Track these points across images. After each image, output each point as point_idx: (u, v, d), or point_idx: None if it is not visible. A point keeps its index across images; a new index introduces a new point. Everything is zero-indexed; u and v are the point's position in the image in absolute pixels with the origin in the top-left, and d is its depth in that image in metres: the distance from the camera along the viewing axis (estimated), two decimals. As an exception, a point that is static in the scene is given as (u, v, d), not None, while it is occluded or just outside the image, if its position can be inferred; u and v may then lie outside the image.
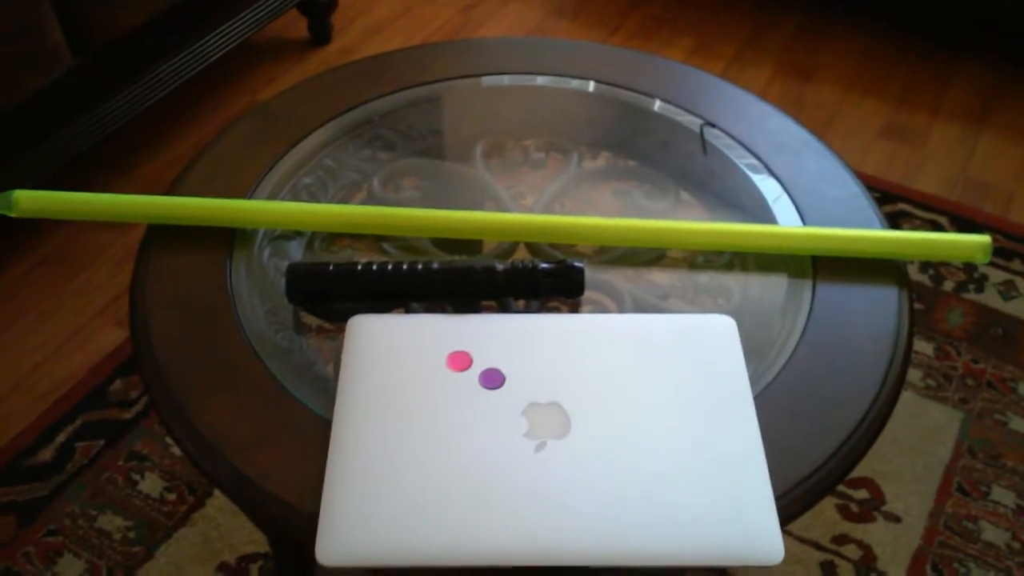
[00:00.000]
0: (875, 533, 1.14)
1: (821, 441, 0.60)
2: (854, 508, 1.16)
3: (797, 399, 0.63)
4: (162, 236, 0.73)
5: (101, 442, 1.24)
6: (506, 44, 0.93)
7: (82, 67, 1.38)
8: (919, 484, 1.19)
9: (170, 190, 0.77)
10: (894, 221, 1.52)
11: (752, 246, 0.71)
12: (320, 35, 1.87)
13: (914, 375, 1.30)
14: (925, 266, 1.44)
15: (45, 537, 1.14)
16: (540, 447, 0.58)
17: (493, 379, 0.61)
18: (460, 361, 0.62)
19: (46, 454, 1.22)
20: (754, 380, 0.64)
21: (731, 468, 0.57)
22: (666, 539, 0.54)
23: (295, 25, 1.91)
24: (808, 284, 0.70)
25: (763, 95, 1.76)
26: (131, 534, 1.14)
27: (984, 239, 0.70)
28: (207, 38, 1.57)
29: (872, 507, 1.16)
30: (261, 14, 1.65)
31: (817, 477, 0.59)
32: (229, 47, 1.61)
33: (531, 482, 0.56)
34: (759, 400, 0.63)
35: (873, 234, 0.70)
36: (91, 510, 1.17)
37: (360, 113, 0.86)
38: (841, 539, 1.14)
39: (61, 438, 1.24)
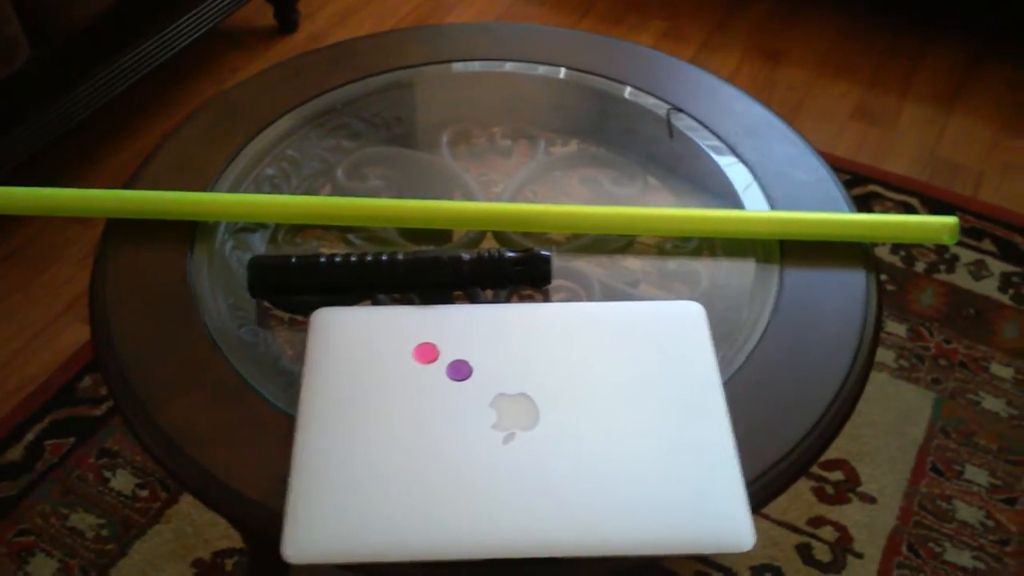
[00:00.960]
0: (851, 514, 1.15)
1: (791, 425, 0.60)
2: (829, 490, 1.17)
3: (766, 384, 0.63)
4: (122, 230, 0.72)
5: (71, 439, 1.22)
6: (473, 29, 0.92)
7: (42, 59, 1.36)
8: (894, 465, 1.19)
9: (129, 183, 0.76)
10: (865, 203, 1.53)
11: (720, 231, 0.71)
12: (287, 22, 1.84)
13: (887, 356, 1.31)
14: (896, 248, 1.45)
15: (16, 537, 1.13)
16: (509, 438, 0.57)
17: (460, 370, 0.61)
18: (427, 353, 0.62)
19: (15, 453, 1.21)
20: (723, 365, 0.64)
21: (701, 455, 0.57)
22: (636, 528, 0.54)
23: (262, 13, 1.88)
24: (776, 268, 0.70)
25: (733, 78, 1.76)
26: (104, 532, 1.13)
27: (951, 220, 0.70)
28: (171, 27, 1.54)
29: (847, 488, 1.17)
30: (226, 2, 1.63)
31: (788, 462, 0.59)
32: (194, 36, 1.59)
33: (500, 474, 0.56)
34: (729, 385, 0.63)
35: (840, 217, 0.70)
36: (62, 508, 1.15)
37: (324, 101, 0.84)
38: (817, 521, 1.14)
39: (30, 436, 1.22)
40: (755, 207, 0.75)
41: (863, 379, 0.63)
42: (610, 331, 0.63)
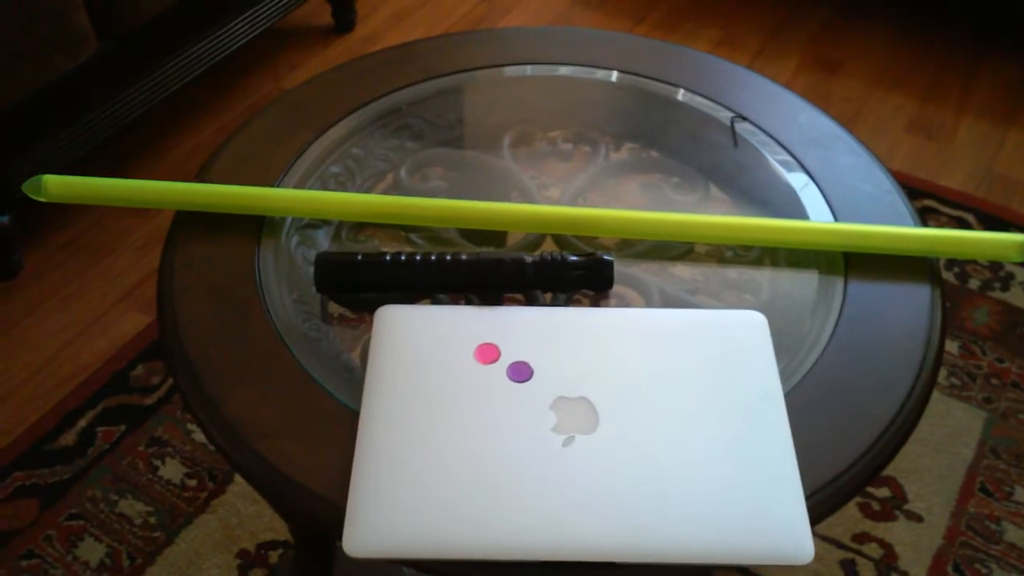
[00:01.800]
0: (897, 532, 1.13)
1: (851, 440, 0.59)
2: (876, 506, 1.16)
3: (828, 397, 0.62)
4: (190, 223, 0.73)
5: (123, 427, 1.24)
6: (531, 34, 0.92)
7: (108, 52, 1.39)
8: (942, 483, 1.18)
9: (198, 177, 0.77)
10: (920, 218, 1.51)
11: (782, 241, 0.70)
12: (344, 22, 1.86)
13: (939, 374, 1.29)
14: (951, 264, 1.43)
15: (67, 521, 1.15)
16: (568, 442, 0.58)
17: (521, 372, 0.61)
18: (488, 353, 0.62)
19: (68, 438, 1.23)
20: (784, 377, 0.64)
21: (761, 466, 0.57)
22: (694, 537, 0.54)
23: (319, 12, 1.91)
24: (840, 281, 0.70)
25: (788, 87, 1.75)
26: (151, 519, 1.15)
27: (1018, 238, 0.69)
28: (232, 24, 1.57)
29: (894, 506, 1.16)
30: (284, 1, 1.65)
31: (847, 477, 0.59)
32: (254, 33, 1.61)
33: (558, 477, 0.56)
34: (789, 397, 0.62)
35: (906, 231, 0.70)
36: (112, 495, 1.17)
37: (387, 102, 0.85)
38: (862, 538, 1.13)
39: (83, 423, 1.25)
40: (819, 218, 0.75)
41: (925, 397, 0.62)
42: (671, 338, 0.63)
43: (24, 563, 1.11)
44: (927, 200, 1.54)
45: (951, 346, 1.33)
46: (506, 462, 0.57)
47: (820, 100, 1.72)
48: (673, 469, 0.56)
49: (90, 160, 1.59)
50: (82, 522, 1.15)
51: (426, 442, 0.57)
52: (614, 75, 0.88)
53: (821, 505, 0.58)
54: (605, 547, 0.54)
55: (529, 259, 0.66)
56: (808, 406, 0.62)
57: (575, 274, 0.66)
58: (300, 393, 0.62)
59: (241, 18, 1.57)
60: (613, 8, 1.94)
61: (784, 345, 0.66)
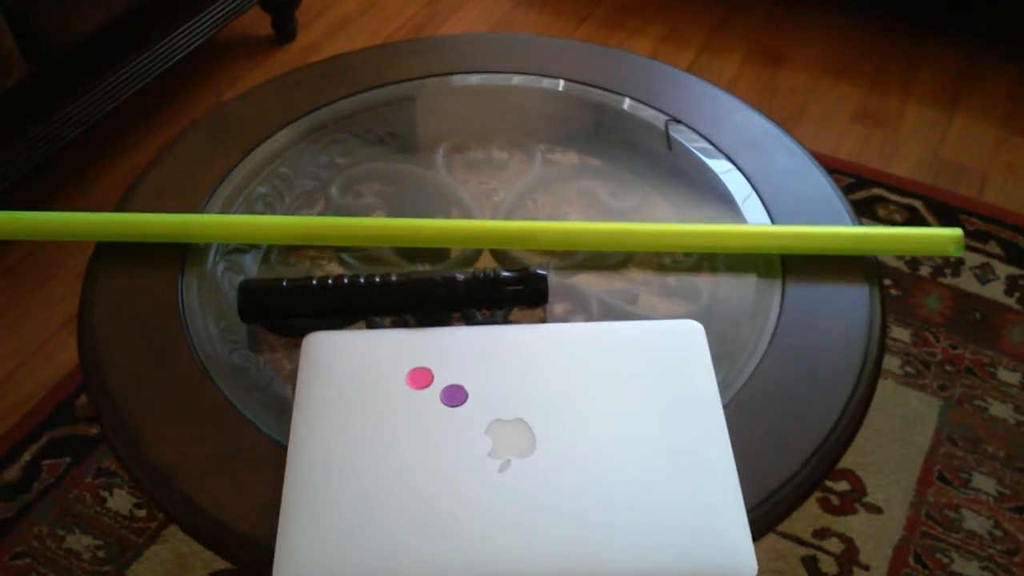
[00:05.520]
0: (857, 526, 1.13)
1: (794, 448, 0.58)
2: (835, 501, 1.15)
3: (769, 405, 0.61)
4: (111, 253, 0.70)
5: (68, 459, 1.21)
6: (466, 41, 0.91)
7: (37, 74, 1.35)
8: (900, 474, 1.18)
9: (120, 203, 0.75)
10: (869, 206, 1.51)
11: (719, 246, 0.69)
12: (284, 32, 1.83)
13: (892, 363, 1.29)
14: (901, 251, 1.43)
15: (12, 560, 1.12)
16: (504, 466, 0.56)
17: (455, 396, 0.59)
18: (421, 378, 0.60)
19: (12, 473, 1.20)
20: (724, 386, 0.62)
21: (701, 482, 0.55)
22: (635, 558, 0.53)
23: (259, 23, 1.87)
24: (778, 284, 0.69)
25: (735, 82, 1.75)
26: (100, 553, 1.12)
27: (956, 232, 0.69)
28: (168, 38, 1.53)
29: (853, 499, 1.15)
30: (222, 13, 1.61)
31: (791, 485, 0.58)
32: (191, 47, 1.58)
33: (495, 503, 0.54)
34: (730, 407, 0.61)
35: (842, 230, 0.69)
36: (59, 530, 1.14)
37: (317, 117, 0.83)
38: (823, 533, 1.12)
39: (27, 456, 1.21)
40: (756, 220, 0.74)
41: (867, 399, 0.62)
42: (607, 352, 0.62)
43: (-31, 605, 1.08)
44: (876, 189, 1.54)
45: (904, 334, 1.33)
46: (440, 490, 0.55)
47: (767, 93, 1.72)
48: (611, 489, 0.55)
49: (23, 186, 1.55)
50: (29, 560, 1.12)
51: (357, 472, 0.56)
52: (547, 82, 0.87)
53: (767, 515, 0.57)
54: (543, 571, 0.52)
55: (461, 277, 0.65)
56: (748, 415, 0.61)
57: (509, 290, 0.65)
58: (227, 429, 0.60)
59: (178, 31, 1.54)
60: (556, 8, 1.92)
61: (723, 352, 0.65)
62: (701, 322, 0.65)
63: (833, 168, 1.57)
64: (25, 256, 1.45)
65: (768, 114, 1.66)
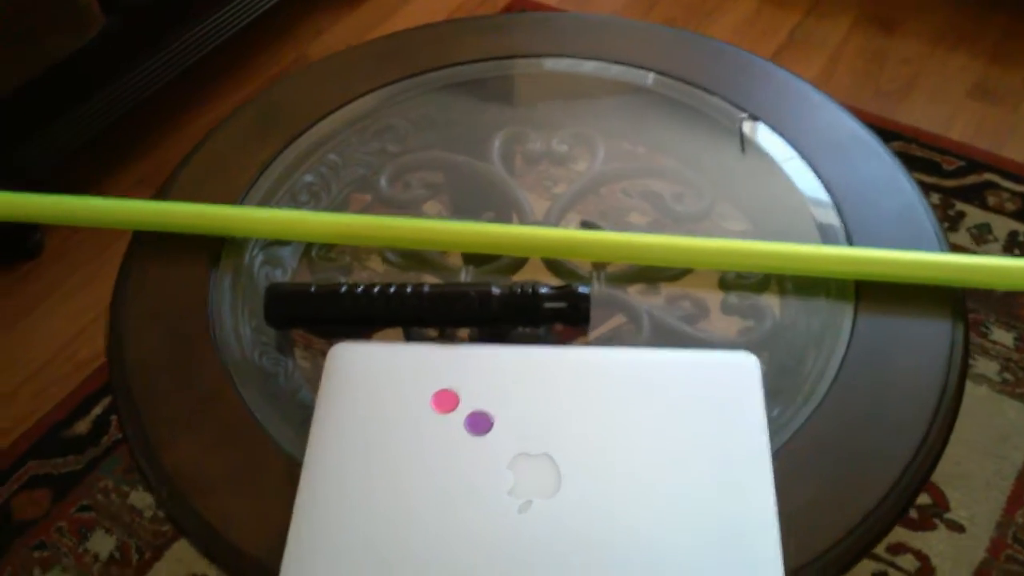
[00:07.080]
0: (936, 543, 1.06)
1: (844, 510, 0.53)
2: (913, 514, 1.08)
3: (823, 456, 0.56)
4: (148, 242, 0.69)
5: (135, 416, 1.23)
6: (532, 21, 0.85)
7: (117, 27, 1.34)
8: (988, 491, 1.10)
9: (160, 190, 0.73)
10: (978, 193, 1.40)
11: (788, 268, 0.63)
12: (372, -16, 1.79)
13: (990, 368, 1.20)
14: (1010, 243, 1.32)
15: (78, 512, 1.14)
16: (525, 507, 0.52)
17: (480, 424, 0.56)
18: (446, 401, 0.57)
19: (82, 426, 1.22)
20: (775, 430, 0.57)
21: (738, 540, 0.51)
22: (658, 621, 0.48)
23: (348, -27, 1.84)
24: (849, 310, 0.62)
25: (841, 48, 1.63)
26: (160, 512, 1.14)
27: (1059, 265, 0.61)
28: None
29: (934, 514, 1.08)
30: (308, -35, 1.58)
31: (840, 549, 0.52)
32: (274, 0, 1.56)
33: (511, 547, 0.51)
34: (781, 454, 0.56)
35: (927, 259, 0.62)
36: (124, 486, 1.16)
37: (370, 101, 0.79)
38: (898, 548, 1.06)
39: (98, 410, 1.23)
40: (832, 236, 0.67)
41: (936, 456, 0.55)
42: (649, 384, 0.57)
43: (36, 554, 1.11)
44: (988, 174, 1.43)
45: (1005, 337, 1.23)
46: (454, 527, 0.52)
47: (875, 61, 1.60)
48: (638, 539, 0.51)
49: (106, 137, 1.56)
50: (93, 514, 1.14)
51: (369, 500, 0.53)
52: (614, 69, 0.80)
53: (810, 577, 0.52)
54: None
55: (497, 291, 0.60)
56: (799, 466, 0.55)
57: (547, 308, 0.60)
58: (243, 441, 0.58)
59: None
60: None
61: (781, 387, 0.59)
62: (761, 349, 0.59)
63: (942, 149, 1.46)
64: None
65: (875, 87, 1.55)
